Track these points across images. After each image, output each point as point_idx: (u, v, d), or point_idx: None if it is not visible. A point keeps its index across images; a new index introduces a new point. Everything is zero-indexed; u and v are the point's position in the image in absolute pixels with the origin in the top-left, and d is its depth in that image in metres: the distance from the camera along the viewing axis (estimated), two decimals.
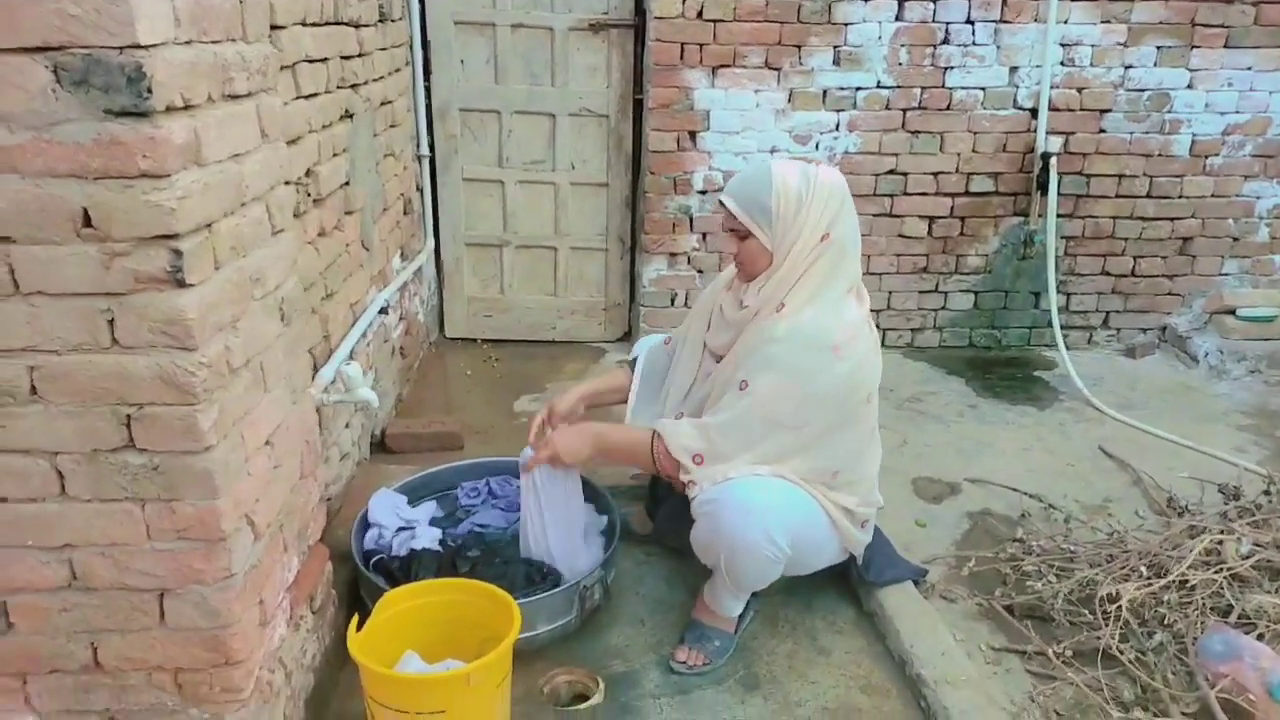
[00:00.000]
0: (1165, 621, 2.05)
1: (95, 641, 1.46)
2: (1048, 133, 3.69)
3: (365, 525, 2.23)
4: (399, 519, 2.22)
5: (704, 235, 3.76)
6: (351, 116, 2.55)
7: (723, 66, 3.54)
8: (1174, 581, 2.10)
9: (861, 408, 1.98)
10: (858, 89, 3.62)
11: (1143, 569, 2.17)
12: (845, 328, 1.91)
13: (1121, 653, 1.97)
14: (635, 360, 2.37)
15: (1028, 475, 2.90)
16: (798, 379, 1.88)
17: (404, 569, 2.03)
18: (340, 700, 1.93)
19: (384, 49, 2.96)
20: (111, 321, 1.28)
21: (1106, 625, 2.03)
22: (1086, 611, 2.12)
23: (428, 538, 2.16)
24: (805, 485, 1.94)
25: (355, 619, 1.71)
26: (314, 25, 2.18)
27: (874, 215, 3.79)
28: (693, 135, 3.63)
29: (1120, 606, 2.04)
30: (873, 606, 2.19)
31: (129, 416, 1.33)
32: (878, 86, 3.63)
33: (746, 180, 1.96)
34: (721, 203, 1.97)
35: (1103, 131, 3.74)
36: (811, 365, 1.88)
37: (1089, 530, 2.52)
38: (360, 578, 2.09)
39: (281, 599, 1.68)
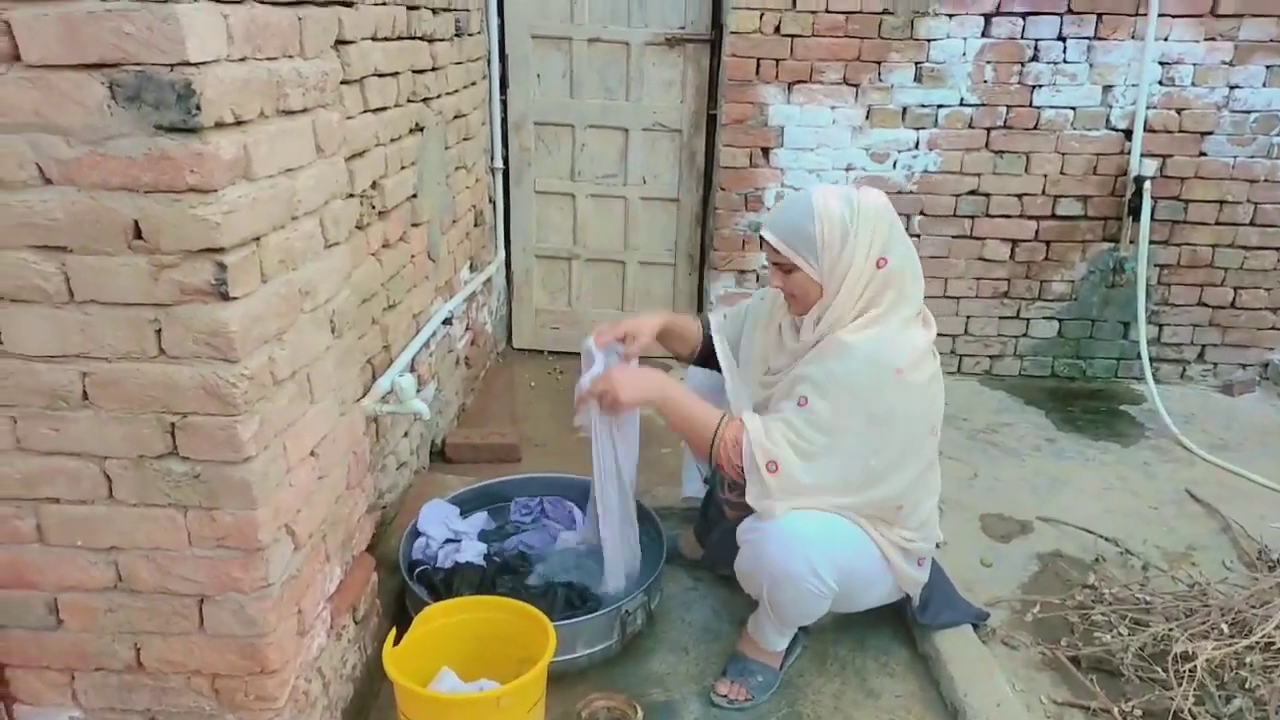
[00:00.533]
0: (1246, 685, 1.90)
1: (138, 643, 1.50)
2: (1142, 155, 3.52)
3: (416, 535, 2.25)
4: (448, 530, 2.23)
5: None
6: (422, 130, 2.58)
7: (799, 82, 3.48)
8: (1259, 642, 1.95)
9: (926, 439, 1.90)
10: (939, 106, 3.52)
11: (1224, 626, 2.03)
12: (911, 352, 1.82)
13: (1195, 716, 1.84)
14: (708, 318, 2.24)
15: (1106, 517, 2.75)
16: (859, 397, 1.78)
17: (446, 582, 2.03)
18: (380, 712, 1.93)
19: (459, 63, 3.00)
20: (159, 331, 1.31)
21: (1180, 685, 1.90)
22: (1159, 669, 1.98)
23: (472, 552, 2.16)
24: (858, 519, 1.87)
25: (393, 633, 1.72)
26: (385, 40, 2.21)
27: (953, 236, 3.68)
28: (766, 152, 3.57)
29: (1196, 666, 1.91)
30: (927, 649, 2.10)
31: (173, 425, 1.36)
32: (960, 104, 3.52)
33: (786, 210, 1.88)
34: (762, 237, 1.88)
35: (1203, 155, 3.55)
36: (874, 385, 1.78)
37: (1168, 580, 2.37)
38: (406, 590, 2.10)
39: (321, 609, 1.69)
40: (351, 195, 2.00)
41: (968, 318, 3.80)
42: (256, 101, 1.34)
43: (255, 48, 1.34)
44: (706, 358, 2.22)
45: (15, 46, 1.18)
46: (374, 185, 2.18)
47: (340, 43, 1.87)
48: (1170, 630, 2.05)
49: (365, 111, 2.10)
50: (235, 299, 1.30)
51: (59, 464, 1.39)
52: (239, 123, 1.30)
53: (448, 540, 2.21)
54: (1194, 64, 3.44)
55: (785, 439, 1.81)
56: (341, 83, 1.85)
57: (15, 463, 1.39)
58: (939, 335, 3.81)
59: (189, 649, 1.50)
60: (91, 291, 1.30)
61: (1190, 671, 1.91)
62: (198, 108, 1.20)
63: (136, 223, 1.25)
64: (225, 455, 1.36)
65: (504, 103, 3.66)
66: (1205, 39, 3.41)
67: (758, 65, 3.46)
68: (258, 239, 1.37)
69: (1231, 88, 3.46)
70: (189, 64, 1.18)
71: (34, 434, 1.37)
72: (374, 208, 2.19)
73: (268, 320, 1.41)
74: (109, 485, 1.40)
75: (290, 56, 1.46)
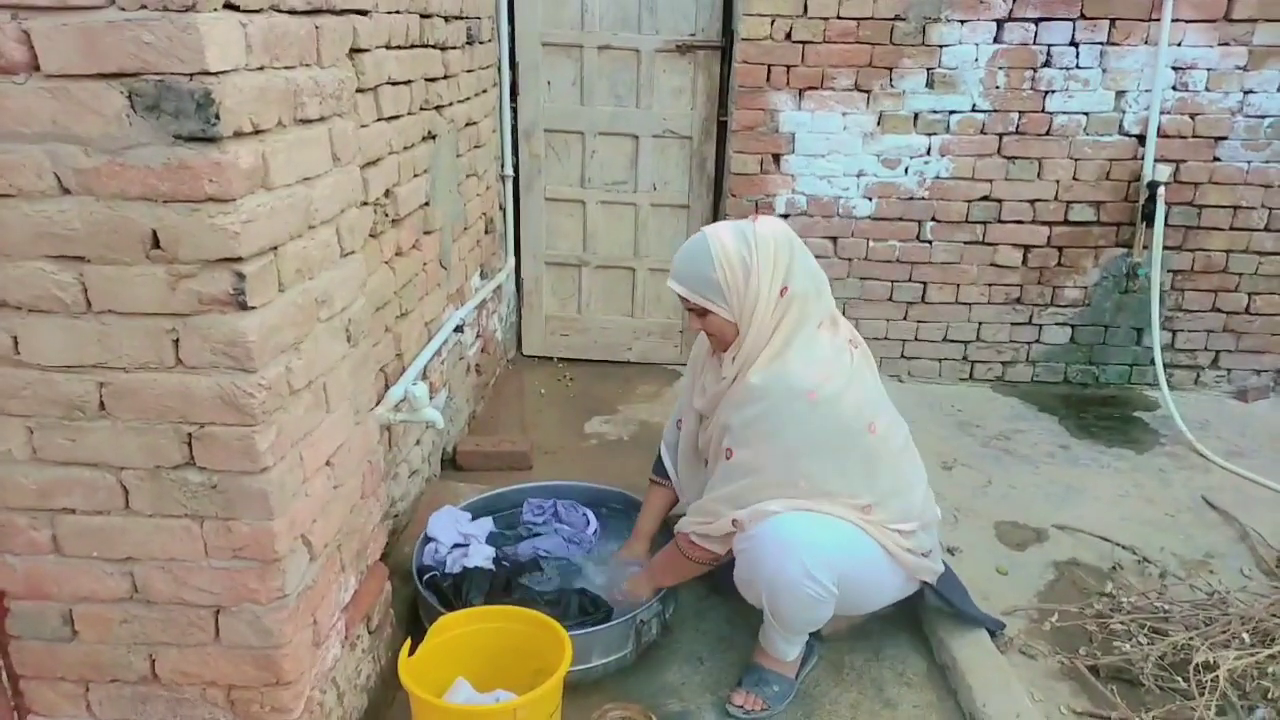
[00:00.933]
0: (1269, 695, 1.89)
1: (153, 654, 1.49)
2: (1156, 160, 3.50)
3: (427, 541, 2.23)
4: (457, 534, 2.22)
5: None
6: (434, 138, 2.57)
7: (810, 89, 3.47)
8: None
9: (864, 438, 1.89)
10: (951, 112, 3.51)
11: (1245, 635, 2.01)
12: (818, 368, 1.85)
13: None
14: (660, 461, 2.36)
15: (1122, 524, 2.73)
16: (776, 435, 1.84)
17: (455, 588, 2.02)
18: None
19: (470, 71, 3.00)
20: (176, 341, 1.31)
21: (1201, 695, 1.88)
22: (1180, 678, 1.97)
23: (480, 556, 2.15)
24: (855, 519, 1.87)
25: (408, 643, 1.71)
26: (398, 48, 2.21)
27: (965, 243, 3.66)
28: (776, 158, 3.57)
29: (1218, 675, 1.89)
30: (944, 659, 2.08)
31: (190, 435, 1.35)
32: (972, 110, 3.50)
33: (687, 258, 1.92)
34: (670, 287, 1.94)
35: (1217, 160, 3.53)
36: (787, 416, 1.84)
37: (1187, 588, 2.35)
38: (420, 599, 2.09)
39: (336, 619, 1.69)
40: (366, 203, 2.00)
41: (980, 324, 3.78)
42: (274, 110, 1.34)
43: (273, 57, 1.33)
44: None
45: (34, 56, 1.18)
46: (387, 193, 2.18)
47: (355, 51, 1.87)
48: (1190, 639, 2.03)
49: (379, 120, 2.10)
50: (253, 309, 1.30)
51: (75, 474, 1.39)
52: (257, 132, 1.29)
53: (456, 545, 2.19)
54: (1208, 69, 3.42)
55: (718, 502, 1.93)
56: (356, 91, 1.84)
57: (32, 473, 1.39)
58: (950, 341, 3.85)
59: (204, 660, 1.49)
60: (109, 301, 1.29)
61: (1212, 681, 1.89)
62: (217, 117, 1.19)
63: (155, 232, 1.25)
64: (242, 465, 1.36)
65: (514, 110, 3.66)
66: (1219, 44, 3.39)
67: (769, 72, 3.46)
68: (275, 248, 1.36)
69: (1246, 93, 3.44)
70: (208, 73, 1.18)
71: (51, 444, 1.37)
72: (387, 216, 2.19)
73: (285, 330, 1.40)
74: (125, 496, 1.40)
75: (307, 65, 1.45)
